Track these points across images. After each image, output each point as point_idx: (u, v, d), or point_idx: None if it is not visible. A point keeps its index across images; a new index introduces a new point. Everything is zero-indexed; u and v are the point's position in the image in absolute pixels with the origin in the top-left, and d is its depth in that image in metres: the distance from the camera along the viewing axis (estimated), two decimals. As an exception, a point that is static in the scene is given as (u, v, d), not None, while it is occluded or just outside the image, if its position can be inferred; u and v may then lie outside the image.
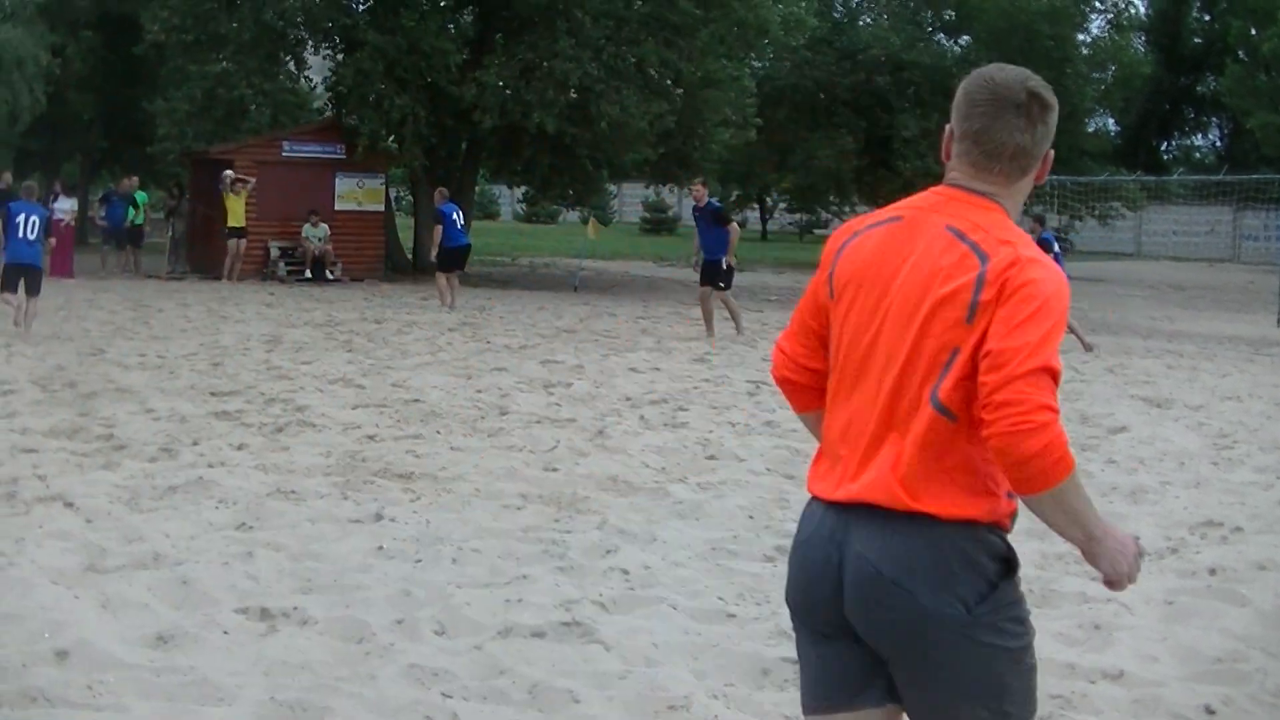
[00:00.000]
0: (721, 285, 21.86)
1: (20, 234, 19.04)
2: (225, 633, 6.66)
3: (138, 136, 40.54)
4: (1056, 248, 23.97)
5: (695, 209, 22.33)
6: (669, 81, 35.64)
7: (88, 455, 10.73)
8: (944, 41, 51.63)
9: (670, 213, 71.28)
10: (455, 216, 26.16)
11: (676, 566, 8.16)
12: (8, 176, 34.00)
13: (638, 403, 14.62)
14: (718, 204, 23.50)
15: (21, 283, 19.01)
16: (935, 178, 3.79)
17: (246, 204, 31.66)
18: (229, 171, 31.47)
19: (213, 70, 34.29)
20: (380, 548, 8.25)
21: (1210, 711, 6.09)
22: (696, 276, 23.17)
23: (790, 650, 6.58)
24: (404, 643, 6.61)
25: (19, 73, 34.57)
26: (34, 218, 19.33)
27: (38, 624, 6.61)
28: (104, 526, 8.50)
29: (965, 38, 50.79)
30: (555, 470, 10.82)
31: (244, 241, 31.70)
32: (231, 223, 31.47)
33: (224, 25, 33.42)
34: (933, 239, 3.51)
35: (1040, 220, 25.70)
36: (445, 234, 25.56)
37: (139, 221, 33.68)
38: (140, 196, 33.82)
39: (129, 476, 9.94)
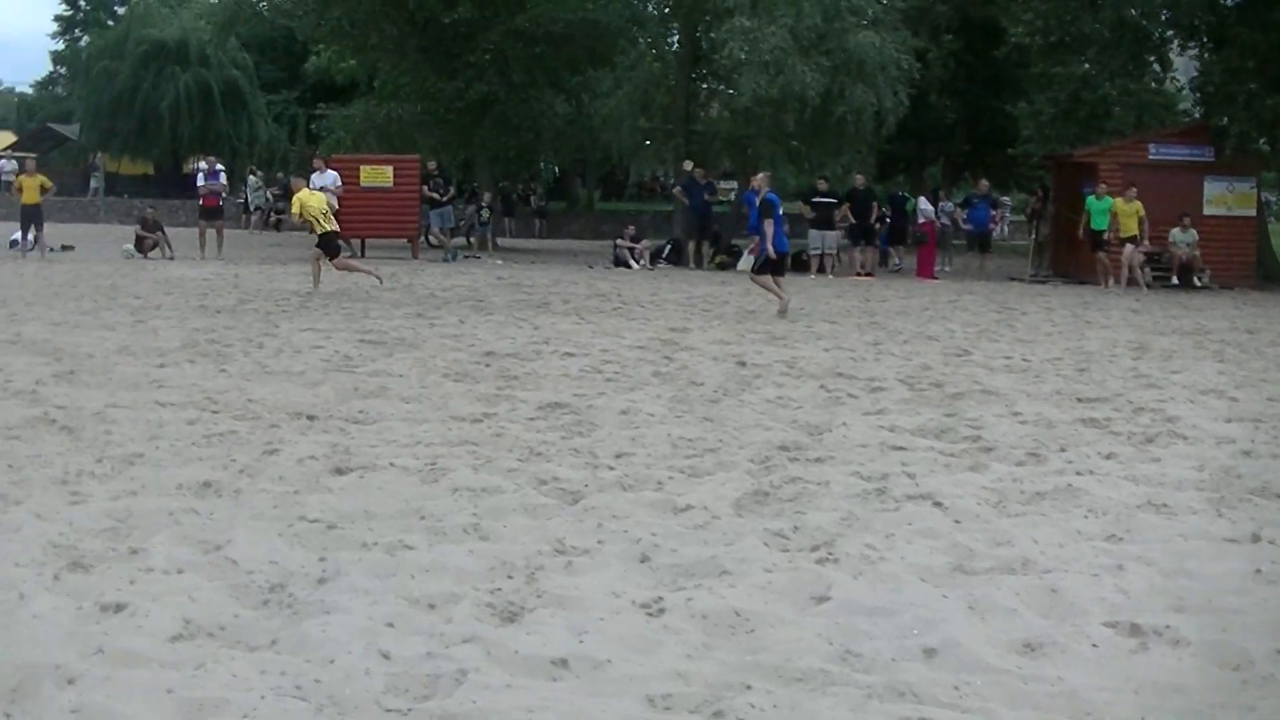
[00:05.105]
0: None
1: None
2: (1094, 646, 6.47)
3: (999, 140, 41.01)
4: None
5: None
6: None
7: (955, 456, 10.76)
8: None
9: None
10: None
11: None
12: (860, 179, 35.32)
13: None
14: None
15: None
16: None
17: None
18: None
19: (1075, 72, 34.17)
20: (1258, 570, 7.77)
21: None
22: None
23: None
24: (1288, 675, 6.18)
25: (882, 76, 35.64)
26: None
27: (907, 620, 6.69)
28: (972, 528, 8.48)
29: None
30: None
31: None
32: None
33: (1086, 25, 33.16)
34: None
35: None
36: None
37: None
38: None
39: (996, 479, 9.90)
